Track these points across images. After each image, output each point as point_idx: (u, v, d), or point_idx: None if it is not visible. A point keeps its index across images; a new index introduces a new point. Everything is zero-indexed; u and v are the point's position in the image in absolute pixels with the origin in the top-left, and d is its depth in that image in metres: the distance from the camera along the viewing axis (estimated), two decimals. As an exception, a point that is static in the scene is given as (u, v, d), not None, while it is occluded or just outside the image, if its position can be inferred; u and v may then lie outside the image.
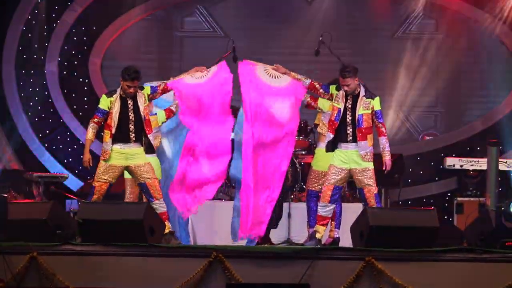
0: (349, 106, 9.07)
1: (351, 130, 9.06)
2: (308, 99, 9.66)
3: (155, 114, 9.68)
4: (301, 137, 11.79)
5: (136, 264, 8.13)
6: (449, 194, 14.13)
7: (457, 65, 14.59)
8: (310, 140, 11.90)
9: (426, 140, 14.74)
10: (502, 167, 12.12)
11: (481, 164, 12.49)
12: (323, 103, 9.79)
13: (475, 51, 14.68)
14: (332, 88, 9.18)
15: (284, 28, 14.61)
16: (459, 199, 12.58)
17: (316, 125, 10.30)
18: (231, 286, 7.85)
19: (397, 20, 14.70)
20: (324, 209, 9.12)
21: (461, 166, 12.61)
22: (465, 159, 12.62)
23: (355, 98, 9.09)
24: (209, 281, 8.04)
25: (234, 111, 9.71)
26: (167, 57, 15.01)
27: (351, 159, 9.04)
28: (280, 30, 14.61)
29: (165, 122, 9.79)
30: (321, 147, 9.88)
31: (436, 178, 14.47)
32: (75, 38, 14.85)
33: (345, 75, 9.04)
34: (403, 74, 14.42)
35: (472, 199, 12.45)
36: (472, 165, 12.62)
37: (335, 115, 9.11)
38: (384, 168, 9.11)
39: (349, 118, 9.07)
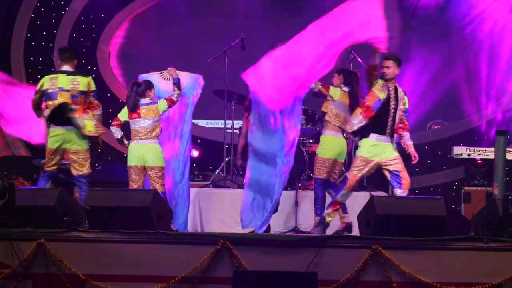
0: (392, 98, 9.03)
1: (391, 122, 9.04)
2: (320, 86, 9.67)
3: (156, 103, 9.69)
4: (308, 126, 11.78)
5: (143, 251, 8.14)
6: (456, 183, 14.13)
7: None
8: (317, 129, 11.89)
9: (434, 129, 14.72)
10: (509, 156, 12.03)
11: (489, 153, 12.43)
12: (334, 91, 9.79)
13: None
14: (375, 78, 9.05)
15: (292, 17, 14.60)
16: (466, 188, 12.54)
17: (324, 113, 10.27)
18: (238, 273, 7.85)
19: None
20: (344, 196, 9.22)
21: (469, 155, 12.55)
22: (472, 148, 12.56)
23: (396, 91, 9.07)
24: (216, 268, 8.04)
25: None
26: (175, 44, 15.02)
27: (382, 151, 9.04)
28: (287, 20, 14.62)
29: (166, 111, 9.80)
30: (327, 135, 9.92)
31: (444, 167, 14.46)
32: (83, 26, 14.87)
33: (388, 57, 8.98)
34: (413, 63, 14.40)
35: (479, 188, 12.40)
36: (479, 154, 12.56)
37: (373, 102, 9.04)
38: (412, 159, 9.18)
39: (392, 110, 9.03)
